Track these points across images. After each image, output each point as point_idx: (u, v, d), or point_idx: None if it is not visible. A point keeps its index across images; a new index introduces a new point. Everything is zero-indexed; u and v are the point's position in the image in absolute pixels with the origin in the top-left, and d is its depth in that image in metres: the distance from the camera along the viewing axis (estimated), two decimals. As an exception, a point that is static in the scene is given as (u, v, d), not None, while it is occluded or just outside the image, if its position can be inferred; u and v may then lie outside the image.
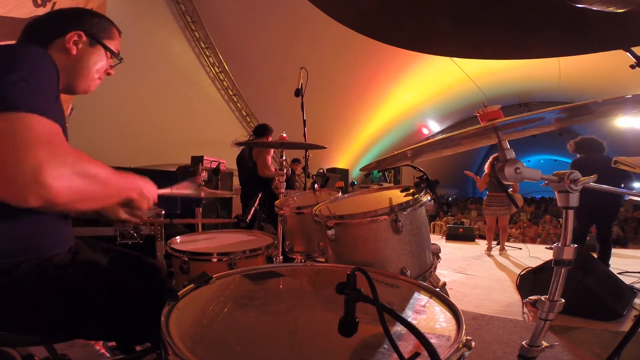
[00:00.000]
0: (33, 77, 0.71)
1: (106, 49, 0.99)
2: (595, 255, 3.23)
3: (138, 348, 1.11)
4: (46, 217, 0.86)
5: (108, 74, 1.04)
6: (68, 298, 0.83)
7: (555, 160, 19.93)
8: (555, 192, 0.92)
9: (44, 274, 0.82)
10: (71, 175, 0.66)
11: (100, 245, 1.14)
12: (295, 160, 5.81)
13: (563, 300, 0.92)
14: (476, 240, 6.38)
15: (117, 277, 0.94)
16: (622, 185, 3.18)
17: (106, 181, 0.75)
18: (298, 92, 2.91)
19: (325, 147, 2.00)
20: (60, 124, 0.73)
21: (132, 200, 0.87)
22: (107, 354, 1.47)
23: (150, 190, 0.93)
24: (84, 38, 0.95)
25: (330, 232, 1.08)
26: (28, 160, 0.61)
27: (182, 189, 1.14)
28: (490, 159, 4.83)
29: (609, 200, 3.34)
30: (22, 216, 0.79)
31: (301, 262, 1.43)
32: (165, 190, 1.06)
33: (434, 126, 14.16)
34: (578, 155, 3.63)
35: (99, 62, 0.99)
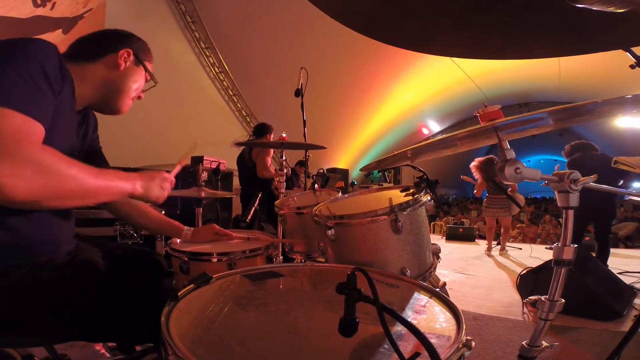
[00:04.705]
0: (24, 70, 0.71)
1: (146, 70, 1.02)
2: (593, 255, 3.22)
3: (138, 348, 1.11)
4: (43, 221, 0.86)
5: (138, 97, 1.06)
6: (64, 301, 0.82)
7: (556, 160, 19.93)
8: (556, 192, 0.92)
9: (38, 277, 0.81)
10: (32, 174, 0.65)
11: (98, 242, 1.14)
12: (301, 163, 5.33)
13: (563, 300, 0.93)
14: (476, 240, 6.38)
15: (115, 278, 0.93)
16: (621, 183, 3.17)
17: (82, 181, 0.73)
18: (298, 92, 2.91)
19: (325, 147, 2.00)
20: (49, 118, 0.73)
21: (138, 195, 0.89)
22: (107, 354, 1.47)
23: (162, 180, 0.96)
24: (131, 57, 0.98)
25: (330, 232, 1.08)
26: None
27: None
28: (476, 162, 4.32)
29: (607, 199, 3.34)
30: (16, 220, 0.79)
31: (301, 262, 1.43)
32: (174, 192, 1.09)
33: (434, 126, 14.15)
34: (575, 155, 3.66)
35: (138, 82, 1.01)
